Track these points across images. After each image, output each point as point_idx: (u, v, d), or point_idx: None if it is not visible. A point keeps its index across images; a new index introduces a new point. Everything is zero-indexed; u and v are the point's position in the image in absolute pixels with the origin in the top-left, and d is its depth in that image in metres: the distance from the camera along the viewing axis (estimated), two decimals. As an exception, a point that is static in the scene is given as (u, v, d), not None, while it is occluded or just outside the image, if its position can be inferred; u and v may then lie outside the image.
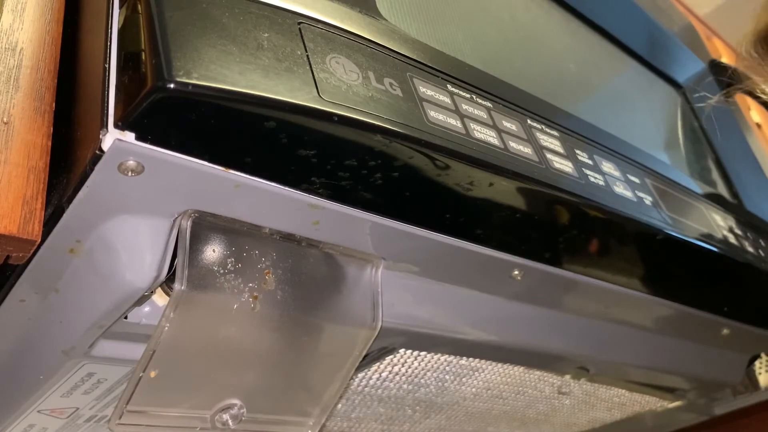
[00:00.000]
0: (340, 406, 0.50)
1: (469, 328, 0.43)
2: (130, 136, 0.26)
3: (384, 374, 0.47)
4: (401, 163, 0.32)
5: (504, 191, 0.36)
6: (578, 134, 0.45)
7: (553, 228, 0.40)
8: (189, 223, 0.31)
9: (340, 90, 0.30)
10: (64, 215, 0.29)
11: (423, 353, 0.45)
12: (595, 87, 0.61)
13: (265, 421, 0.36)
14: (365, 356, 0.38)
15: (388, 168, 0.32)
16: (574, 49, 0.61)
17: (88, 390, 0.39)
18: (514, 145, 0.38)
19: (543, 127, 0.42)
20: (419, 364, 0.47)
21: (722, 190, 0.63)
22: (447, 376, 0.49)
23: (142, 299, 0.34)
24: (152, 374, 0.32)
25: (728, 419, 0.75)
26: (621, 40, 0.66)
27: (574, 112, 0.49)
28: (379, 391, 0.49)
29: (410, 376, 0.48)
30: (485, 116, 0.38)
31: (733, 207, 0.60)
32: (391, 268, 0.38)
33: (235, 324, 0.33)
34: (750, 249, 0.55)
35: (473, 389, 0.52)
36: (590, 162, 0.43)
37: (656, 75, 0.70)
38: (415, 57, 0.37)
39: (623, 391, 0.63)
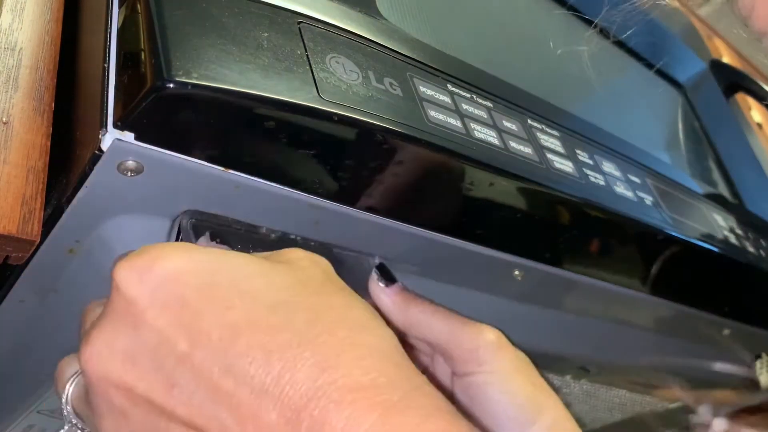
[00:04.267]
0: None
1: (469, 328, 0.43)
2: (129, 136, 0.26)
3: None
4: (401, 163, 0.32)
5: (504, 191, 0.36)
6: (579, 134, 0.45)
7: (553, 228, 0.40)
8: (189, 224, 0.31)
9: (340, 90, 0.30)
10: (64, 215, 0.29)
11: (423, 353, 0.45)
12: (596, 86, 0.61)
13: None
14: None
15: (388, 168, 0.32)
16: (575, 49, 0.61)
17: (87, 390, 0.39)
18: (514, 145, 0.37)
19: (543, 126, 0.42)
20: (419, 365, 0.47)
21: (723, 190, 0.63)
22: (447, 377, 0.49)
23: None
24: None
25: (729, 419, 0.75)
26: (621, 40, 0.66)
27: (575, 112, 0.49)
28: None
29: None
30: (485, 116, 0.38)
31: (734, 207, 0.60)
32: (391, 269, 0.38)
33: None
34: (751, 249, 0.54)
35: (473, 389, 0.52)
36: (591, 162, 0.43)
37: (657, 74, 0.70)
38: (415, 57, 0.37)
39: (624, 391, 0.63)
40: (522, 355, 0.33)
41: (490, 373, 0.32)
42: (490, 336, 0.32)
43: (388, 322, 0.33)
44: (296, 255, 0.27)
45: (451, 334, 0.32)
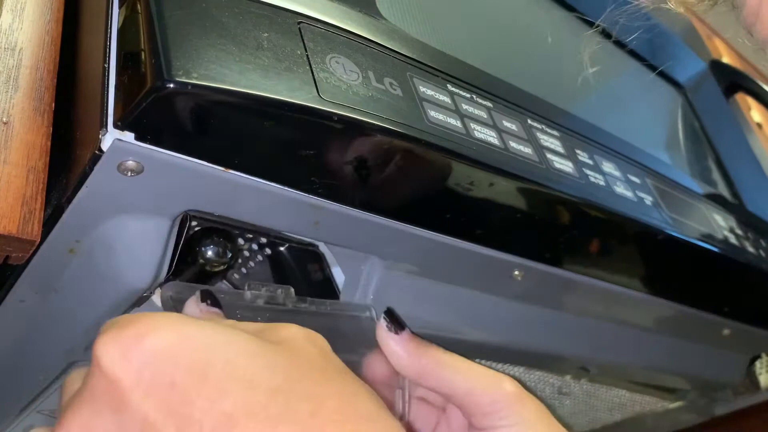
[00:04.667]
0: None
1: (469, 328, 0.43)
2: (129, 136, 0.26)
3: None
4: (401, 163, 0.32)
5: (504, 191, 0.36)
6: (579, 134, 0.45)
7: (553, 228, 0.40)
8: (169, 297, 0.29)
9: (340, 90, 0.30)
10: (64, 215, 0.29)
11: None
12: (596, 87, 0.61)
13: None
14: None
15: (388, 168, 0.32)
16: (575, 49, 0.61)
17: (87, 390, 0.39)
18: (514, 145, 0.37)
19: (543, 126, 0.42)
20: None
21: (723, 190, 0.63)
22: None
23: (142, 300, 0.34)
24: None
25: (729, 419, 0.75)
26: (621, 40, 0.66)
27: (575, 112, 0.49)
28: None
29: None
30: (485, 116, 0.38)
31: (734, 207, 0.60)
32: (391, 268, 0.38)
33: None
34: (751, 249, 0.54)
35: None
36: (591, 162, 0.43)
37: (657, 75, 0.70)
38: (415, 57, 0.37)
39: (624, 391, 0.63)
40: (541, 404, 0.32)
41: (513, 426, 0.30)
42: (509, 387, 0.30)
43: (399, 372, 0.32)
44: (292, 333, 0.25)
45: (467, 387, 0.30)
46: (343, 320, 0.34)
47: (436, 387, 0.31)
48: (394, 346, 0.31)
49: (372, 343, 0.32)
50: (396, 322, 0.31)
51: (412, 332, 0.32)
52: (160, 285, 0.31)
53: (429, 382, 0.31)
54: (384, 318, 0.31)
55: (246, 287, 0.31)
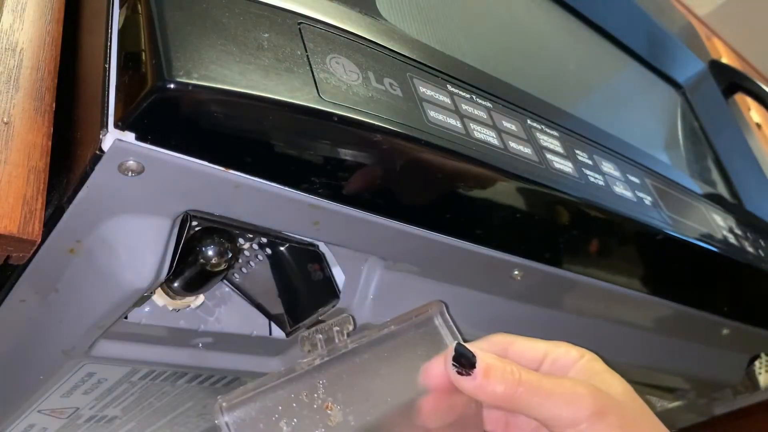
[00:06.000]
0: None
1: (469, 328, 0.43)
2: (130, 136, 0.26)
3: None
4: (401, 163, 0.32)
5: (504, 191, 0.36)
6: (578, 134, 0.45)
7: (553, 228, 0.40)
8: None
9: (340, 90, 0.30)
10: (65, 215, 0.29)
11: (423, 353, 0.45)
12: (595, 87, 0.61)
13: None
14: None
15: (388, 168, 0.32)
16: (574, 49, 0.61)
17: (88, 390, 0.39)
18: (514, 145, 0.38)
19: (543, 127, 0.42)
20: (419, 364, 0.46)
21: (722, 190, 0.63)
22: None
23: (142, 299, 0.34)
24: None
25: (728, 419, 0.75)
26: (621, 40, 0.66)
27: (574, 112, 0.49)
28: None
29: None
30: (485, 116, 0.38)
31: (733, 207, 0.60)
32: (391, 268, 0.38)
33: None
34: (750, 249, 0.55)
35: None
36: (590, 162, 0.43)
37: (656, 75, 0.70)
38: (415, 57, 0.37)
39: (623, 391, 0.63)
40: (626, 412, 0.32)
41: None
42: (590, 406, 0.30)
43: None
44: (624, 387, 0.30)
45: (547, 414, 0.31)
46: (406, 335, 0.34)
47: (516, 411, 0.32)
48: (471, 387, 0.31)
49: (435, 345, 0.32)
50: (467, 364, 0.32)
51: (482, 357, 0.32)
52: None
53: (508, 407, 0.32)
54: (454, 365, 0.32)
55: (300, 343, 0.31)
